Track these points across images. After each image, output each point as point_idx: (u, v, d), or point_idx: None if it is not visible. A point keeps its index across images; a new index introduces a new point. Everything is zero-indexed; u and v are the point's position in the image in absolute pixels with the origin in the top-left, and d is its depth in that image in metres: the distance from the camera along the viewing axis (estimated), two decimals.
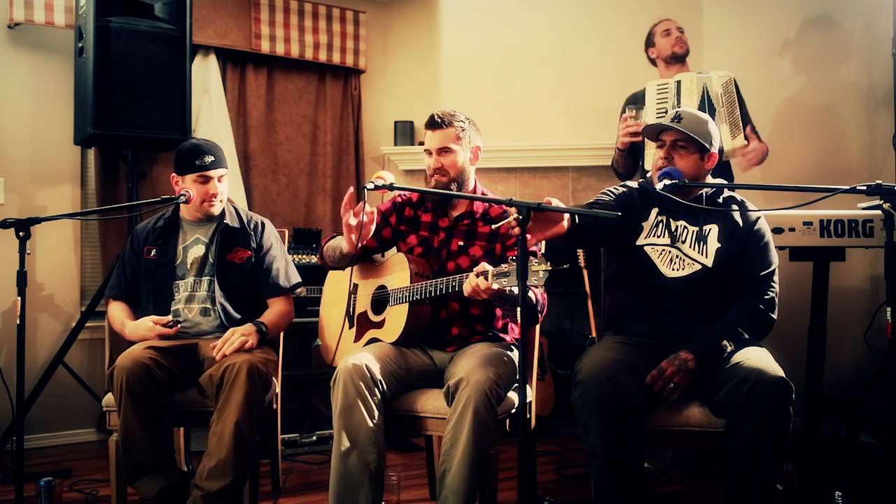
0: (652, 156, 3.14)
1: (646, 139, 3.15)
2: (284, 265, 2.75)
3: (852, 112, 3.70)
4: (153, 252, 2.66)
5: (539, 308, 2.35)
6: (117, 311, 2.69)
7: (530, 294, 2.22)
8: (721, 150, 3.06)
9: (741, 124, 3.12)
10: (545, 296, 2.38)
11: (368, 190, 2.28)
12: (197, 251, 2.66)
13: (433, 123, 2.49)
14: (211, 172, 2.61)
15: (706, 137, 2.32)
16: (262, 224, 2.76)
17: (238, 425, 2.29)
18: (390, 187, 2.31)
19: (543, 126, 4.19)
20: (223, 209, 2.70)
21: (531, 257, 1.94)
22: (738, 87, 3.18)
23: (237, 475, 2.30)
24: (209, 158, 2.60)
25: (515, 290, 1.96)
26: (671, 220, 2.36)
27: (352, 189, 2.39)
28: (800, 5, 3.84)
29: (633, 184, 2.49)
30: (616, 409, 2.05)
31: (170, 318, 2.58)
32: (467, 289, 2.15)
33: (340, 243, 2.49)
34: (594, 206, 2.37)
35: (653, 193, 2.37)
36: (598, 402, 2.06)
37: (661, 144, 2.35)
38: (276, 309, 2.69)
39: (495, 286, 2.08)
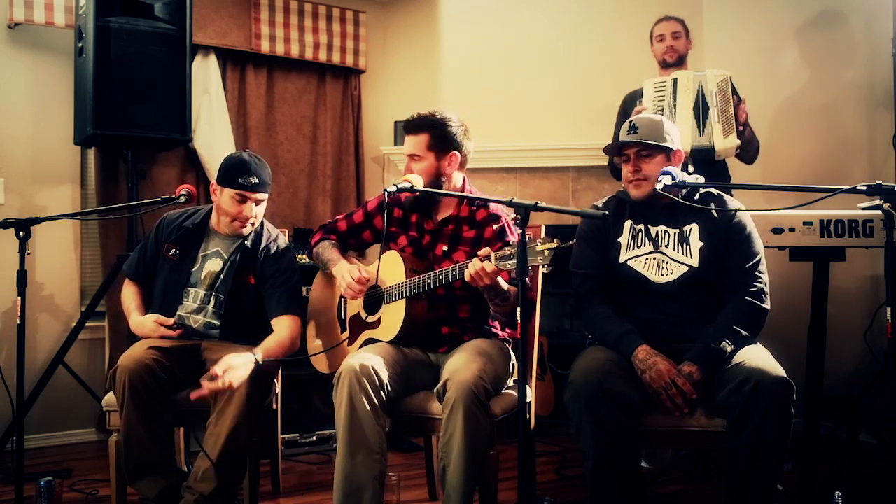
0: None
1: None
2: (287, 293, 2.60)
3: (852, 112, 3.70)
4: (173, 251, 2.63)
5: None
6: (129, 297, 2.69)
7: (508, 288, 2.22)
8: (712, 149, 3.08)
9: (734, 123, 3.12)
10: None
11: (389, 193, 2.29)
12: (213, 265, 2.62)
13: (406, 126, 2.45)
14: (251, 193, 2.53)
15: (665, 139, 2.32)
16: (276, 251, 2.64)
17: (237, 428, 2.29)
18: (411, 189, 2.31)
19: (543, 126, 4.19)
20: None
21: (535, 238, 1.94)
22: (734, 87, 3.17)
23: (232, 478, 2.30)
24: (253, 179, 2.51)
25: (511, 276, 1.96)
26: (650, 226, 2.36)
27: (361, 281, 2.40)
28: (800, 5, 3.83)
29: (604, 201, 2.48)
30: (608, 409, 2.06)
31: (174, 320, 2.57)
32: (470, 273, 2.12)
33: (329, 256, 2.56)
34: (580, 273, 2.39)
35: (629, 203, 2.38)
36: (588, 402, 2.06)
37: (626, 159, 2.35)
38: (276, 336, 2.51)
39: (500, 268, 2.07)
